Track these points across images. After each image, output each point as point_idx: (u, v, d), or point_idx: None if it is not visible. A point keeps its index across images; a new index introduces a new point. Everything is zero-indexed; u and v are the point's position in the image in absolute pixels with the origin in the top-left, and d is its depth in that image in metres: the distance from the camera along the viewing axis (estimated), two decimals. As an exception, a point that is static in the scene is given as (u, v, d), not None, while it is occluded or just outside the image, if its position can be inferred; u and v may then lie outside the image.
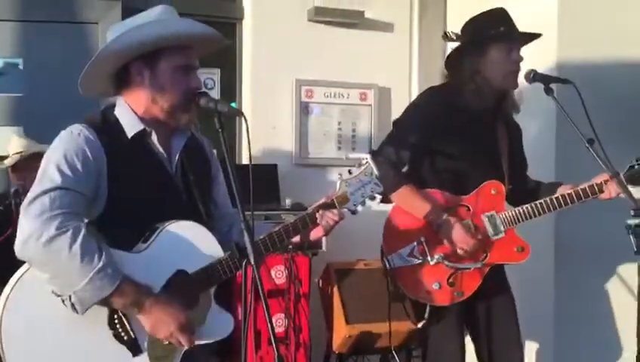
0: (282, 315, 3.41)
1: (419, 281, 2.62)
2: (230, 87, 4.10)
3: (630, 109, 3.42)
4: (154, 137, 1.94)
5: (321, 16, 4.04)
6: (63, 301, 1.72)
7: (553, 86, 2.57)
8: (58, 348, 1.75)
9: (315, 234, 2.05)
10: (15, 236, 2.82)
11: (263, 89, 4.01)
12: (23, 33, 3.67)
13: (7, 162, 3.16)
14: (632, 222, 2.34)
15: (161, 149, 1.95)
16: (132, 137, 1.91)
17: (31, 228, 1.70)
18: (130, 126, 1.91)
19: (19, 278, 1.74)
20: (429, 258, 2.59)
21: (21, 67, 3.72)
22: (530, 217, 2.60)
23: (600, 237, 3.30)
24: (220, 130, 1.83)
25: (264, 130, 3.95)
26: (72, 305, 1.72)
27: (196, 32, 1.99)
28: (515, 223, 2.62)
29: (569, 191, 2.59)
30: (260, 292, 1.67)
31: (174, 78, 1.90)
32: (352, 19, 4.12)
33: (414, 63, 4.29)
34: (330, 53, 4.11)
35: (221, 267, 1.89)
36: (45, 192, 1.74)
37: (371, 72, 4.19)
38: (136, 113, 1.93)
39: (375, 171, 2.02)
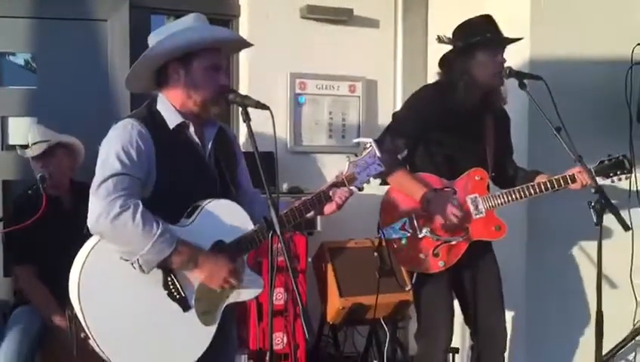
0: (282, 289, 3.62)
1: (408, 252, 2.92)
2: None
3: (594, 103, 3.63)
4: (191, 128, 2.21)
5: (313, 13, 4.20)
6: (132, 264, 2.01)
7: (526, 81, 2.84)
8: (124, 304, 2.04)
9: (329, 209, 2.32)
10: (43, 218, 3.07)
11: (259, 82, 4.13)
12: (37, 30, 3.75)
13: (34, 150, 3.18)
14: (592, 200, 2.65)
15: (197, 139, 2.22)
16: (173, 128, 2.18)
17: (100, 207, 1.98)
18: (172, 119, 2.18)
19: (93, 247, 2.02)
20: (417, 231, 2.90)
21: (34, 61, 3.83)
22: (508, 202, 2.90)
23: (567, 217, 3.50)
24: (246, 121, 2.15)
25: (260, 121, 4.16)
26: (140, 266, 2.00)
27: (222, 37, 2.30)
28: (494, 206, 2.92)
29: (544, 180, 2.88)
30: (288, 263, 1.98)
31: (205, 76, 2.18)
32: (342, 17, 4.27)
33: (398, 58, 4.47)
34: (322, 49, 4.27)
35: (252, 237, 2.18)
36: (109, 178, 2.01)
37: (359, 66, 4.36)
38: (175, 107, 2.20)
39: (378, 153, 2.29)
